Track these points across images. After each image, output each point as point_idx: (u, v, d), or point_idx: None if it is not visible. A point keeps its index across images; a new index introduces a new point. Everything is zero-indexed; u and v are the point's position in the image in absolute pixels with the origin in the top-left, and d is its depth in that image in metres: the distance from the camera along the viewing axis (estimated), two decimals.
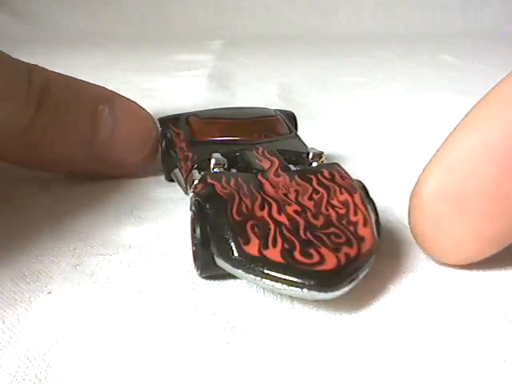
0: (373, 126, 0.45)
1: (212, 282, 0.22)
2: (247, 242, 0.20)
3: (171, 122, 0.32)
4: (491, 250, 0.22)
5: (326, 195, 0.22)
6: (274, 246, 0.20)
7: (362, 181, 0.24)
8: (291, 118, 0.34)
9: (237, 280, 0.22)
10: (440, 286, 0.22)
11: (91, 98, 0.30)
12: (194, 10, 1.15)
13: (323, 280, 0.19)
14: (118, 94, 0.32)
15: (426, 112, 0.51)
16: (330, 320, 0.20)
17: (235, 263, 0.20)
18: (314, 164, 0.26)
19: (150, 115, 0.32)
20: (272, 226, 0.21)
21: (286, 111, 0.34)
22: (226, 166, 0.25)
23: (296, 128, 0.34)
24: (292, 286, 0.19)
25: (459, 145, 0.21)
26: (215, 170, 0.25)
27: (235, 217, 0.21)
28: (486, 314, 0.20)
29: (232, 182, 0.23)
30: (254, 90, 0.61)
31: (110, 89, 0.32)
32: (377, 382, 0.17)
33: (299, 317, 0.20)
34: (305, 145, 0.29)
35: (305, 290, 0.19)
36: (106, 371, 0.17)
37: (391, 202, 0.30)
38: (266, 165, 0.25)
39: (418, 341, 0.19)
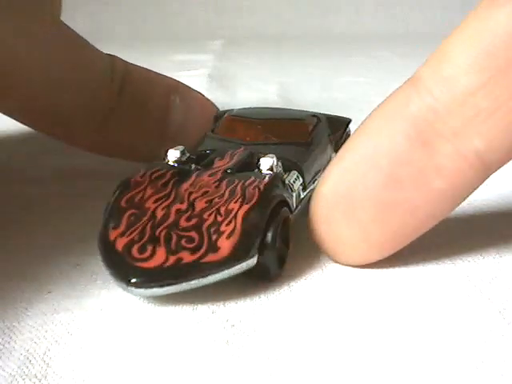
0: None
1: None
2: (116, 226, 0.21)
3: (221, 115, 0.33)
4: (380, 254, 0.22)
5: (223, 201, 0.22)
6: (129, 235, 0.21)
7: None
8: (338, 125, 0.33)
9: (236, 279, 0.22)
10: (439, 288, 0.22)
11: (164, 88, 0.32)
12: (194, 10, 1.14)
13: (136, 276, 0.19)
14: (185, 85, 0.34)
15: None
16: (329, 320, 0.20)
17: (98, 241, 0.21)
18: (267, 172, 0.24)
19: (214, 104, 0.34)
20: (146, 219, 0.22)
21: (340, 118, 0.33)
22: (183, 160, 0.25)
23: (343, 135, 0.32)
24: (110, 274, 0.20)
25: (354, 150, 0.22)
26: (170, 162, 0.25)
27: (121, 203, 0.22)
28: (485, 316, 0.20)
29: (156, 174, 0.24)
30: (254, 89, 0.61)
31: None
32: (377, 383, 0.17)
33: (299, 316, 0.20)
34: (303, 155, 0.27)
35: (117, 282, 0.20)
36: (106, 370, 0.17)
37: None
38: (219, 164, 0.25)
39: (418, 342, 0.19)
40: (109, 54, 0.31)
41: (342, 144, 0.32)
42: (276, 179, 0.24)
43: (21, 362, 0.18)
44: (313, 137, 0.29)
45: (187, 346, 0.19)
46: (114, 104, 0.29)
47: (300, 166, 0.26)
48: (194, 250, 0.20)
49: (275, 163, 0.24)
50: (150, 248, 0.20)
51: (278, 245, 0.22)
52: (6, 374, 0.17)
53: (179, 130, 0.31)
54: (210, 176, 0.24)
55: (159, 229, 0.21)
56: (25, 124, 0.30)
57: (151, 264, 0.20)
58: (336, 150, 0.32)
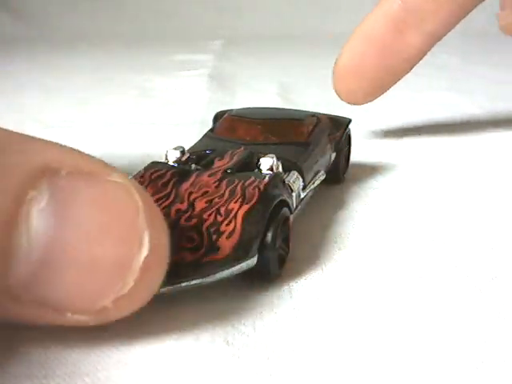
0: (372, 126, 0.45)
1: None
2: None
3: (221, 115, 0.33)
4: (373, 96, 0.40)
5: (223, 201, 0.22)
6: None
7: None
8: (339, 125, 0.33)
9: (237, 279, 0.22)
10: (439, 288, 0.22)
11: (18, 173, 0.15)
12: (194, 10, 1.14)
13: None
14: (80, 155, 0.17)
15: (425, 112, 0.51)
16: (329, 320, 0.20)
17: None
18: (267, 172, 0.24)
19: (144, 200, 0.16)
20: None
21: (341, 118, 0.34)
22: (183, 160, 0.25)
23: (343, 134, 0.33)
24: None
25: (356, 38, 0.38)
26: (170, 162, 0.25)
27: None
28: (485, 316, 0.20)
29: (156, 174, 0.24)
30: (254, 90, 0.61)
31: (68, 146, 0.17)
32: (377, 383, 0.17)
33: (299, 317, 0.20)
34: (303, 155, 0.27)
35: None
36: (106, 371, 0.17)
37: (386, 200, 0.30)
38: (219, 164, 0.25)
39: (418, 342, 0.19)
40: None
41: (343, 143, 0.33)
42: (276, 179, 0.24)
43: (21, 362, 0.18)
44: (312, 137, 0.29)
45: (187, 346, 0.18)
46: None
47: (300, 166, 0.26)
48: (194, 250, 0.20)
49: (275, 163, 0.24)
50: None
51: (278, 245, 0.22)
52: (6, 374, 0.17)
53: (39, 267, 0.15)
54: (209, 176, 0.24)
55: None
56: None
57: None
58: (336, 150, 0.32)
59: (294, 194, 0.25)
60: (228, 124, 0.30)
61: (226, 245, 0.20)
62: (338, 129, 0.33)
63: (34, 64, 0.79)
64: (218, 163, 0.25)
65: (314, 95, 0.58)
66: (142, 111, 0.52)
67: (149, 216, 0.16)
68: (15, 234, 0.15)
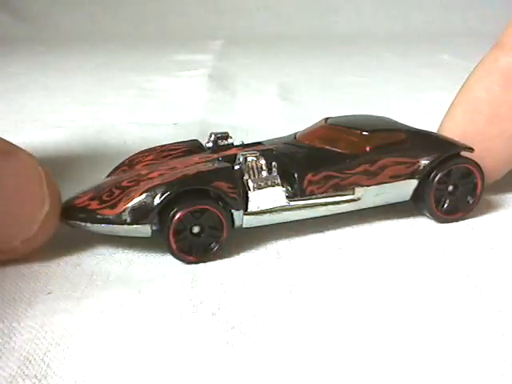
0: None
1: (212, 281, 0.22)
2: (110, 174, 0.27)
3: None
4: (492, 178, 0.30)
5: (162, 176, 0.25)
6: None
7: None
8: (434, 150, 0.27)
9: (237, 278, 0.22)
10: (439, 288, 0.22)
11: None
12: (194, 10, 1.14)
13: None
14: None
15: (425, 112, 0.51)
16: (329, 320, 0.20)
17: None
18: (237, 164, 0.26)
19: (45, 172, 0.24)
20: (122, 174, 0.26)
21: (448, 143, 0.28)
22: (219, 144, 0.28)
23: (430, 162, 0.27)
24: None
25: (461, 104, 0.31)
26: (209, 143, 0.28)
27: (126, 161, 0.28)
28: (485, 315, 0.20)
29: (172, 147, 0.28)
30: (254, 90, 0.61)
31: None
32: (377, 382, 0.17)
33: (299, 317, 0.20)
34: (326, 165, 0.26)
35: None
36: (106, 372, 0.17)
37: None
38: (225, 152, 0.27)
39: (419, 342, 0.19)
40: None
41: (437, 172, 0.27)
42: (221, 171, 0.25)
43: (21, 362, 0.18)
44: (373, 152, 0.27)
45: (188, 347, 0.18)
46: None
47: (295, 173, 0.25)
48: (102, 202, 0.24)
49: (241, 159, 0.25)
50: (89, 192, 0.25)
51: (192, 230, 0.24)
52: (6, 374, 0.17)
53: None
54: (200, 158, 0.26)
55: (110, 183, 0.25)
56: None
57: (74, 202, 0.24)
58: (418, 177, 0.27)
59: (252, 193, 0.25)
60: (311, 127, 0.30)
61: (120, 207, 0.23)
62: (431, 154, 0.27)
63: (34, 64, 0.79)
64: (228, 151, 0.27)
65: (313, 95, 0.58)
66: (142, 111, 0.52)
67: (49, 184, 0.23)
68: None
